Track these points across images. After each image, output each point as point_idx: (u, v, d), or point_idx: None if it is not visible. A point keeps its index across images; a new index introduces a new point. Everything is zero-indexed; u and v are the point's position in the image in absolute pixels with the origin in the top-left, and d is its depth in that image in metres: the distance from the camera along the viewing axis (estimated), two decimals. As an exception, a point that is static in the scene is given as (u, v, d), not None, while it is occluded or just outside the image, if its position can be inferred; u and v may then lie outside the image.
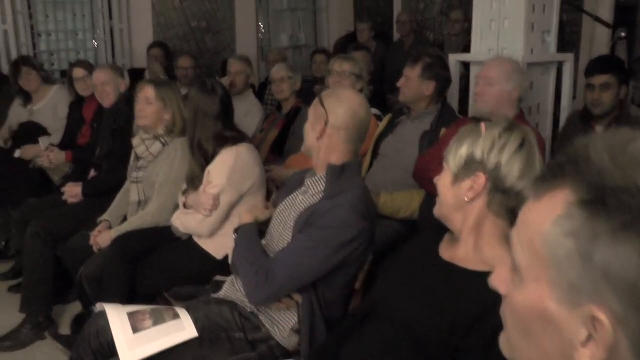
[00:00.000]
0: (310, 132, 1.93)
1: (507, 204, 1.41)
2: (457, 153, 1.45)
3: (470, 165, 1.43)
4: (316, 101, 1.94)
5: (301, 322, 1.89)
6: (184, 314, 1.86)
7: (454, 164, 1.46)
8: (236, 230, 2.03)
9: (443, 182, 1.50)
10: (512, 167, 1.39)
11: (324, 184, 1.91)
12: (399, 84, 2.91)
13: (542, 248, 0.66)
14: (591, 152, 0.65)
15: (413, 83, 2.84)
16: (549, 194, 0.68)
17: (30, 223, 3.09)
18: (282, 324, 1.92)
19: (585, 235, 0.62)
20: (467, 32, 5.34)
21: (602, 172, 0.63)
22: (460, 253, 1.47)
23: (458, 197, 1.45)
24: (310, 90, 4.20)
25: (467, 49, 4.70)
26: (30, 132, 4.17)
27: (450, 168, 1.47)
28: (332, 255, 1.79)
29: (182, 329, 1.82)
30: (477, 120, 2.58)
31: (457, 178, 1.45)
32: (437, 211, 1.53)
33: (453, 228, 1.50)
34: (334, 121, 1.88)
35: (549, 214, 0.66)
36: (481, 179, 1.41)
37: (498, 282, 0.78)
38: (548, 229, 0.65)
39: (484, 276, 1.36)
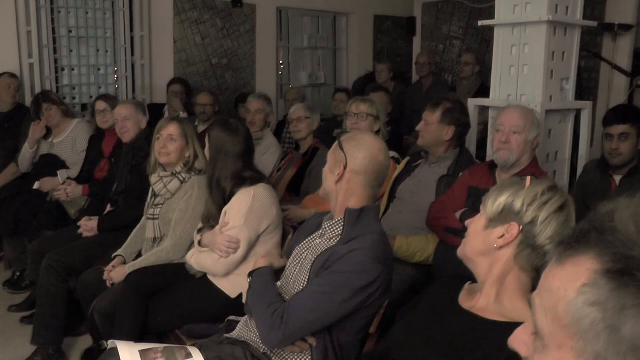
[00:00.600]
0: (329, 175, 1.94)
1: (534, 261, 1.42)
2: (497, 199, 1.46)
3: (507, 214, 1.43)
4: (335, 145, 1.96)
5: (315, 364, 1.86)
6: (196, 354, 1.84)
7: (491, 209, 1.46)
8: (250, 274, 2.03)
9: (475, 225, 1.50)
10: (547, 226, 1.40)
11: (341, 228, 1.91)
12: (418, 128, 2.91)
13: (566, 316, 0.66)
14: (616, 220, 0.65)
15: (432, 127, 2.85)
16: (572, 259, 0.67)
17: (45, 255, 3.10)
18: (295, 367, 1.90)
19: (612, 307, 0.61)
20: (478, 74, 5.41)
21: (628, 242, 0.62)
22: (481, 303, 1.46)
23: (487, 243, 1.45)
24: (328, 128, 4.23)
25: (479, 92, 4.73)
26: (50, 164, 4.22)
27: (486, 212, 1.47)
28: (348, 299, 1.77)
29: (193, 369, 1.80)
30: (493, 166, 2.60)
31: (491, 223, 1.46)
32: (462, 252, 1.52)
33: (475, 272, 1.50)
34: (353, 165, 1.89)
35: (574, 282, 0.66)
36: (514, 229, 1.42)
37: (518, 344, 0.77)
38: (572, 297, 0.65)
39: (504, 327, 1.36)
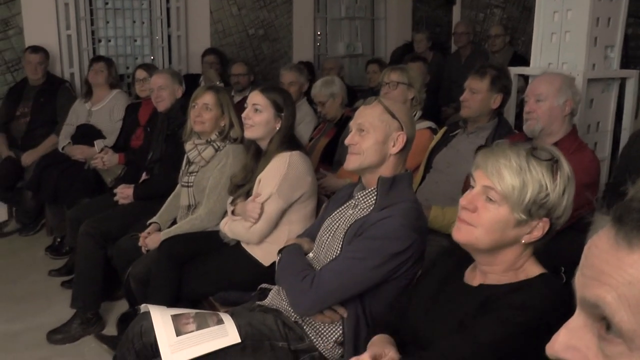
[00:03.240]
0: (380, 146, 1.85)
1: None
2: (522, 193, 1.31)
3: (536, 210, 1.33)
4: (380, 111, 1.87)
5: (346, 334, 1.86)
6: (227, 320, 1.86)
7: (516, 204, 1.32)
8: (280, 251, 2.02)
9: (492, 215, 1.34)
10: (566, 209, 1.36)
11: (374, 197, 1.88)
12: (462, 98, 2.83)
13: None
14: None
15: (480, 96, 2.77)
16: None
17: (83, 222, 3.17)
18: (327, 335, 1.90)
19: None
20: (510, 44, 5.26)
21: None
22: (491, 279, 1.43)
23: (512, 237, 1.36)
24: (362, 98, 4.18)
25: (513, 61, 4.60)
26: (87, 133, 4.29)
27: (510, 205, 1.32)
28: (380, 266, 1.75)
29: (224, 334, 1.81)
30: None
31: (518, 222, 1.34)
32: (469, 240, 1.39)
33: (485, 258, 1.42)
34: (409, 133, 1.86)
35: None
36: (546, 225, 1.35)
37: (569, 353, 0.64)
38: None
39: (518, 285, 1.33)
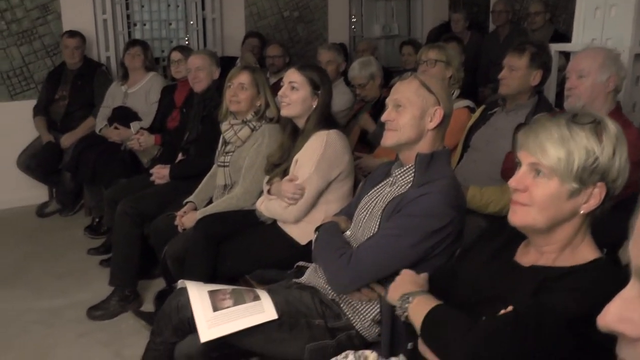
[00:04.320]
0: (416, 121, 1.81)
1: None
2: (570, 162, 1.26)
3: (589, 175, 1.26)
4: (416, 86, 1.83)
5: (383, 313, 1.83)
6: (264, 296, 1.85)
7: (566, 174, 1.26)
8: (317, 229, 2.01)
9: (543, 191, 1.29)
10: (620, 170, 1.28)
11: (412, 174, 1.84)
12: (501, 76, 2.76)
13: None
14: None
15: (519, 73, 2.70)
16: None
17: (120, 202, 3.21)
18: (364, 313, 1.88)
19: None
20: (550, 21, 5.11)
21: None
22: (546, 259, 1.37)
23: (568, 210, 1.30)
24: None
25: (553, 39, 4.46)
26: (123, 116, 4.33)
27: (559, 177, 1.27)
28: (418, 243, 1.72)
29: (261, 310, 1.80)
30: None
31: (572, 192, 1.28)
32: (525, 221, 1.33)
33: (549, 240, 1.35)
34: (446, 108, 1.82)
35: None
36: (602, 190, 1.28)
37: (624, 324, 0.61)
38: None
39: (578, 269, 1.28)
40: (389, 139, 1.87)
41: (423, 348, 1.45)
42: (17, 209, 4.83)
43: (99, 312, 3.04)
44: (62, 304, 3.21)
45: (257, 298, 1.85)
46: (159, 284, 3.17)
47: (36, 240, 4.21)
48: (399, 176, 1.89)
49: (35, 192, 4.82)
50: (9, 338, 2.92)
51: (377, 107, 3.61)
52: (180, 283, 1.96)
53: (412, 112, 1.82)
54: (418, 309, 1.41)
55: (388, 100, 1.90)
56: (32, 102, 4.73)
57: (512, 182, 1.34)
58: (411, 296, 1.45)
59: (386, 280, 1.80)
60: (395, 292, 1.54)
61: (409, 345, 1.57)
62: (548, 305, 1.23)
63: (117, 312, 3.04)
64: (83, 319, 3.04)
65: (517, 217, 1.35)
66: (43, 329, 2.99)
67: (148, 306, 3.09)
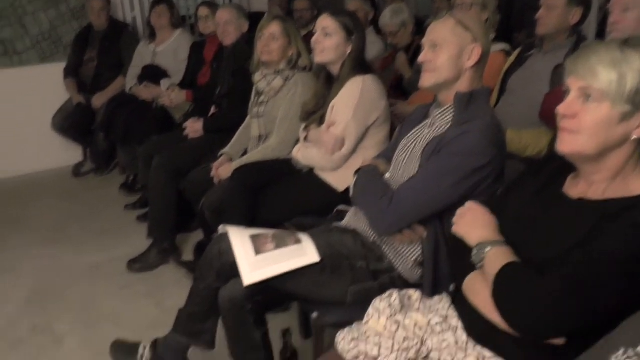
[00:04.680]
0: (454, 61, 1.77)
1: None
2: (622, 82, 1.21)
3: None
4: (452, 25, 1.78)
5: (425, 255, 1.83)
6: (306, 240, 1.85)
7: (618, 96, 1.22)
8: (356, 172, 1.99)
9: (594, 116, 1.25)
10: None
11: (451, 114, 1.81)
12: (538, 15, 2.67)
13: None
14: None
15: (557, 12, 2.61)
16: None
17: (154, 158, 3.23)
18: (406, 255, 1.87)
19: None
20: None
21: None
22: (595, 189, 1.33)
23: (620, 135, 1.25)
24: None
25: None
26: (153, 74, 4.33)
27: (611, 100, 1.23)
28: (459, 182, 1.70)
29: (303, 254, 1.81)
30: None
31: (622, 109, 1.23)
32: (574, 149, 1.29)
33: (599, 168, 1.31)
34: (484, 45, 1.77)
35: None
36: None
37: None
38: None
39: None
40: (426, 80, 1.84)
41: (468, 289, 1.44)
42: (54, 170, 4.92)
43: (138, 264, 3.10)
44: (103, 259, 3.28)
45: (298, 241, 1.85)
46: (197, 236, 3.21)
47: (74, 200, 4.28)
48: (437, 117, 1.86)
49: (70, 153, 4.89)
50: (57, 291, 3.01)
51: (410, 55, 3.55)
52: (222, 228, 1.97)
53: (449, 52, 1.78)
54: (493, 261, 1.36)
55: (424, 41, 1.86)
56: (62, 65, 4.75)
57: (561, 108, 1.30)
58: (489, 246, 1.39)
59: (427, 221, 1.79)
60: (467, 229, 1.49)
61: (451, 287, 1.57)
62: (612, 248, 1.19)
63: (157, 264, 3.10)
64: (124, 272, 3.10)
65: (565, 145, 1.31)
66: (87, 282, 3.07)
67: (187, 258, 3.13)
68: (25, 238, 3.69)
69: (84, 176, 4.77)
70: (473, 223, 1.49)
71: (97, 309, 2.82)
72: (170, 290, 2.86)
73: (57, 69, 4.75)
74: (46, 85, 4.77)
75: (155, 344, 2.09)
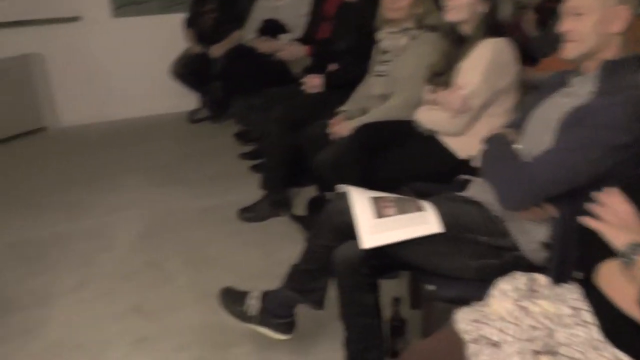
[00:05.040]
0: (600, 26, 1.62)
1: None
2: None
3: None
4: None
5: (555, 236, 1.70)
6: (429, 208, 1.78)
7: None
8: (484, 141, 1.88)
9: None
10: None
11: (594, 83, 1.65)
12: None
13: None
14: None
15: None
16: None
17: (271, 110, 3.24)
18: (532, 235, 1.75)
19: None
20: None
21: None
22: None
23: None
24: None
25: None
26: (272, 28, 4.32)
27: None
28: (598, 158, 1.56)
29: (426, 222, 1.73)
30: None
31: None
32: None
33: None
34: (632, 6, 1.60)
35: None
36: None
37: None
38: None
39: None
40: (570, 51, 1.69)
41: (605, 281, 1.32)
42: (170, 114, 5.11)
43: (249, 214, 3.15)
44: (214, 204, 3.38)
45: (421, 209, 1.78)
46: (310, 192, 3.21)
47: (188, 145, 4.44)
48: (578, 86, 1.71)
49: (186, 100, 5.04)
50: (168, 231, 3.13)
51: (542, 18, 3.30)
52: (341, 188, 1.93)
53: (593, 18, 1.62)
54: None
55: (565, 9, 1.70)
56: (182, 16, 4.87)
57: None
58: None
59: (557, 200, 1.66)
60: (611, 227, 1.31)
61: (581, 276, 1.45)
62: None
63: (267, 215, 3.14)
64: (233, 219, 3.17)
65: None
66: (197, 225, 3.17)
67: (298, 213, 3.14)
68: (140, 177, 3.87)
69: (198, 122, 4.92)
70: (625, 221, 1.32)
71: (206, 252, 2.90)
72: (280, 243, 2.89)
73: (177, 19, 4.87)
74: (166, 34, 4.93)
75: (264, 296, 2.11)
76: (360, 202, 1.79)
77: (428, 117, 2.38)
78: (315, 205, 2.98)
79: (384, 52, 2.76)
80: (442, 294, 1.79)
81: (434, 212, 1.76)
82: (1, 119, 4.80)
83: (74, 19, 4.97)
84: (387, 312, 2.02)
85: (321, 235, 1.94)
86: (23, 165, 4.37)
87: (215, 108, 4.86)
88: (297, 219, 2.92)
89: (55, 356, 2.27)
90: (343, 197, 1.87)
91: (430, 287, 1.78)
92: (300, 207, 3.19)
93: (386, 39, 2.72)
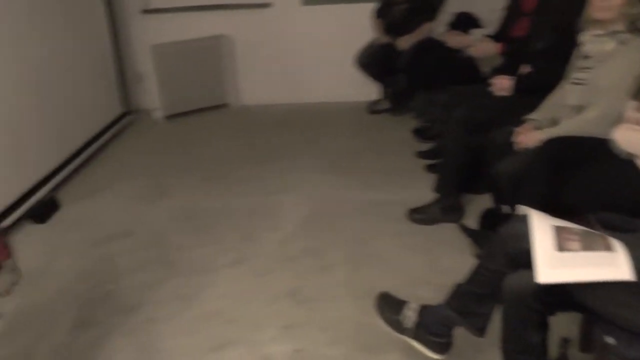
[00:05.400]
0: None
1: None
2: None
3: None
4: None
5: None
6: (619, 249, 1.54)
7: None
8: None
9: None
10: None
11: None
12: None
13: None
14: None
15: None
16: None
17: (452, 109, 3.09)
18: None
19: None
20: None
21: None
22: None
23: None
24: None
25: None
26: (464, 22, 4.14)
27: None
28: None
29: (614, 264, 1.50)
30: None
31: None
32: None
33: None
34: None
35: None
36: None
37: None
38: None
39: None
40: None
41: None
42: (350, 103, 5.15)
43: (419, 215, 3.05)
44: (383, 199, 3.33)
45: (610, 248, 1.55)
46: (484, 200, 3.03)
47: (364, 135, 4.43)
48: None
49: (368, 90, 5.03)
50: (332, 220, 3.16)
51: None
52: (521, 209, 1.76)
53: None
54: None
55: None
56: (370, 5, 4.83)
57: None
58: None
59: None
60: None
61: None
62: None
63: (437, 220, 3.02)
64: (401, 218, 3.09)
65: None
66: (362, 218, 3.15)
67: (469, 222, 2.97)
68: (312, 162, 3.96)
69: (378, 114, 4.90)
70: None
71: (368, 248, 2.86)
72: (446, 251, 2.76)
73: (366, 8, 4.85)
74: (354, 24, 4.94)
75: (422, 309, 2.01)
76: (541, 229, 1.62)
77: (628, 138, 2.08)
78: (489, 218, 2.80)
79: (586, 57, 2.48)
80: (622, 350, 1.54)
81: (626, 254, 1.52)
82: (193, 92, 5.20)
83: (265, 5, 5.18)
84: (552, 351, 1.82)
85: (493, 259, 1.80)
86: (204, 137, 4.70)
87: (397, 101, 4.80)
88: (468, 231, 2.76)
89: (205, 327, 2.37)
90: (522, 219, 1.70)
91: (610, 340, 1.55)
92: (472, 216, 3.02)
93: (590, 42, 2.44)
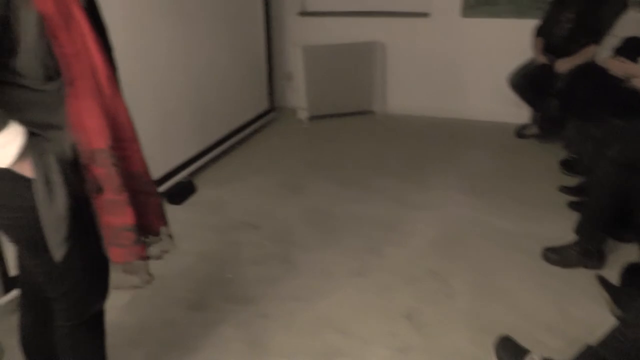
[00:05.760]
0: None
1: None
2: None
3: None
4: None
5: None
6: None
7: None
8: None
9: None
10: None
11: None
12: None
13: None
14: None
15: None
16: None
17: (609, 145, 2.85)
18: None
19: None
20: None
21: None
22: None
23: None
24: None
25: None
26: (634, 48, 3.81)
27: None
28: None
29: None
30: None
31: None
32: None
33: None
34: None
35: None
36: None
37: None
38: None
39: None
40: None
41: None
42: (498, 123, 4.98)
43: (554, 255, 2.84)
44: (518, 231, 3.16)
45: None
46: (630, 251, 2.77)
47: (508, 160, 4.25)
48: None
49: (518, 112, 4.82)
50: (463, 245, 3.04)
51: None
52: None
53: None
54: None
55: None
56: (533, 22, 4.59)
57: None
58: None
59: None
60: None
61: None
62: None
63: (574, 264, 2.79)
64: (534, 254, 2.90)
65: None
66: (493, 248, 3.00)
67: (609, 272, 2.70)
68: (450, 180, 3.87)
69: (525, 139, 4.67)
70: None
71: (496, 280, 2.72)
72: (580, 300, 2.54)
73: (527, 25, 4.62)
74: (513, 40, 4.74)
75: (545, 361, 1.88)
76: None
77: None
78: (633, 274, 2.55)
79: None
80: None
81: None
82: (339, 96, 5.27)
83: (424, 15, 5.11)
84: None
85: (635, 328, 1.63)
86: (346, 141, 4.75)
87: (547, 127, 4.55)
88: (607, 285, 2.51)
89: (316, 333, 2.37)
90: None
91: None
92: (614, 266, 2.75)
93: None
